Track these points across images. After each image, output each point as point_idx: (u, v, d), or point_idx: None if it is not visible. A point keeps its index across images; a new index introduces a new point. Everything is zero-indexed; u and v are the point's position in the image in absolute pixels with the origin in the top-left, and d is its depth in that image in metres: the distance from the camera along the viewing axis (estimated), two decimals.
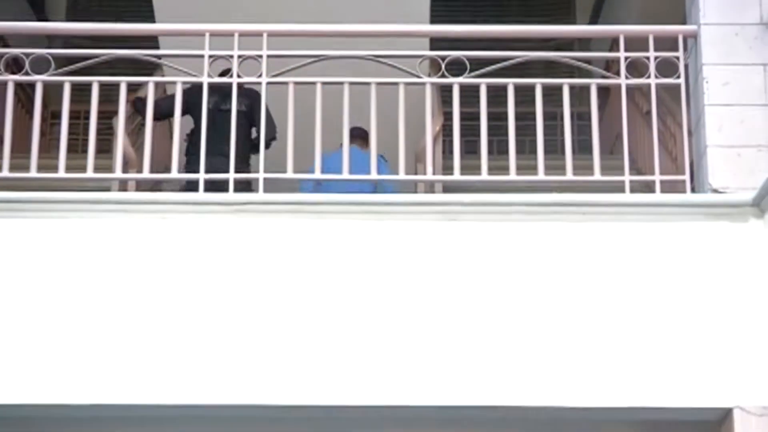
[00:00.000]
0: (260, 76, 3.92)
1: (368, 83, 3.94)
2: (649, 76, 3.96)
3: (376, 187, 4.71)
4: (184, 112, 4.29)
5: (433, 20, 6.33)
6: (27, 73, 3.94)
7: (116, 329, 3.78)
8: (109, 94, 4.15)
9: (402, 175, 4.09)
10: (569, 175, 3.94)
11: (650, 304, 3.74)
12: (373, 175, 4.09)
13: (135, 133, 5.35)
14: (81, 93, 4.08)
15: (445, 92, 4.81)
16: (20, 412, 3.87)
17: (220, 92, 4.53)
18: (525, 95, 4.04)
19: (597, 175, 3.94)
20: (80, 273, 3.80)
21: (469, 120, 4.05)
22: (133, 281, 3.81)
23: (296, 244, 3.78)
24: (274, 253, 3.79)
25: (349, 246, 3.78)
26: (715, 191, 3.82)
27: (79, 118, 4.68)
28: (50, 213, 3.85)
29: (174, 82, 4.21)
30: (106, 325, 3.78)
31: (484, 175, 3.99)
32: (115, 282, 3.82)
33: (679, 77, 3.97)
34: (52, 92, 4.34)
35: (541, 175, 3.95)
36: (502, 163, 4.05)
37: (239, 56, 3.92)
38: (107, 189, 4.39)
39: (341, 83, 3.92)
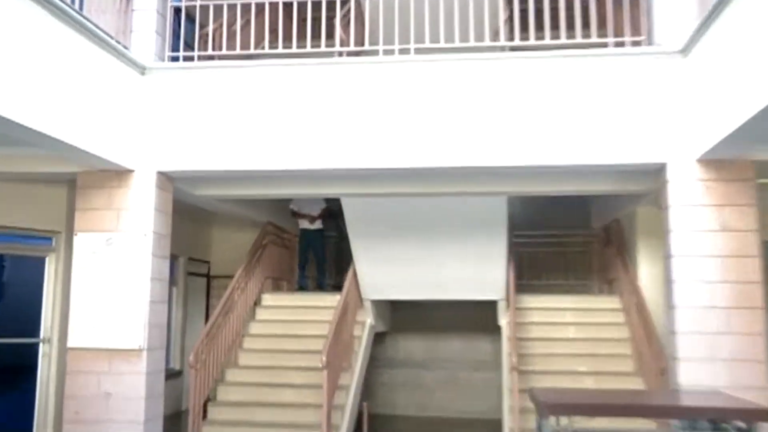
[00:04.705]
0: None
1: None
2: None
3: None
4: None
5: None
6: None
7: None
8: (331, 5, 6.12)
9: (487, 42, 5.93)
10: (578, 39, 5.72)
11: (624, 101, 5.38)
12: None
13: (345, 26, 6.66)
14: (317, 6, 6.08)
15: None
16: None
17: None
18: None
19: (594, 38, 5.77)
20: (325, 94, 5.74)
21: (523, 12, 5.83)
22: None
23: (436, 75, 5.66)
24: (421, 84, 5.69)
25: (466, 74, 5.64)
26: (659, 45, 5.49)
27: (316, 20, 6.02)
28: (302, 64, 5.84)
29: None
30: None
31: (532, 41, 5.85)
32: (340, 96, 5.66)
33: None
34: (301, 6, 6.24)
35: (563, 39, 5.75)
36: (542, 34, 5.82)
37: None
38: (332, 55, 6.12)
39: None
